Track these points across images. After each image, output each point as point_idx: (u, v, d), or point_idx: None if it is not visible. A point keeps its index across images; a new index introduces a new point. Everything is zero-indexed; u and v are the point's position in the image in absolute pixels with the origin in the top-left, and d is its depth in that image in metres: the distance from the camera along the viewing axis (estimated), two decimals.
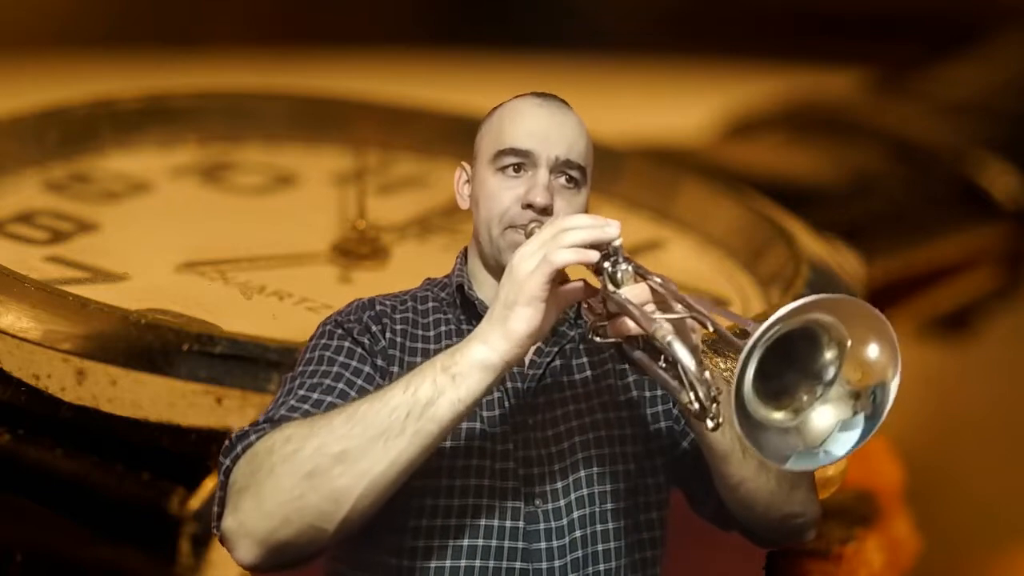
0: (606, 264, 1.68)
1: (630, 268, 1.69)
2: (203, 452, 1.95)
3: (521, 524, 1.76)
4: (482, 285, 1.81)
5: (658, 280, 1.69)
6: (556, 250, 1.66)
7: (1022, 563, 2.96)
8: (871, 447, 2.26)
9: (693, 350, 1.64)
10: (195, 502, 1.92)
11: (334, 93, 2.76)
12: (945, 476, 2.94)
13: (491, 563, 1.75)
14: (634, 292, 1.68)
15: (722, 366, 1.99)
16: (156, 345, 1.98)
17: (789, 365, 1.61)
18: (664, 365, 1.66)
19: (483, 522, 1.75)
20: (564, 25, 4.29)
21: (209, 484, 1.92)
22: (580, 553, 1.77)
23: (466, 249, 1.85)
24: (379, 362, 1.77)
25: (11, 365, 2.02)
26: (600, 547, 1.77)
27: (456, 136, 2.60)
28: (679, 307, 1.67)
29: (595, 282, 1.71)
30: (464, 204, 1.83)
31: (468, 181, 1.83)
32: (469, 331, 1.78)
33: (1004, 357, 3.18)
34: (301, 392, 1.73)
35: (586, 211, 1.79)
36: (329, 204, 2.50)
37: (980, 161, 3.02)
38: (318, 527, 1.66)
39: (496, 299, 1.68)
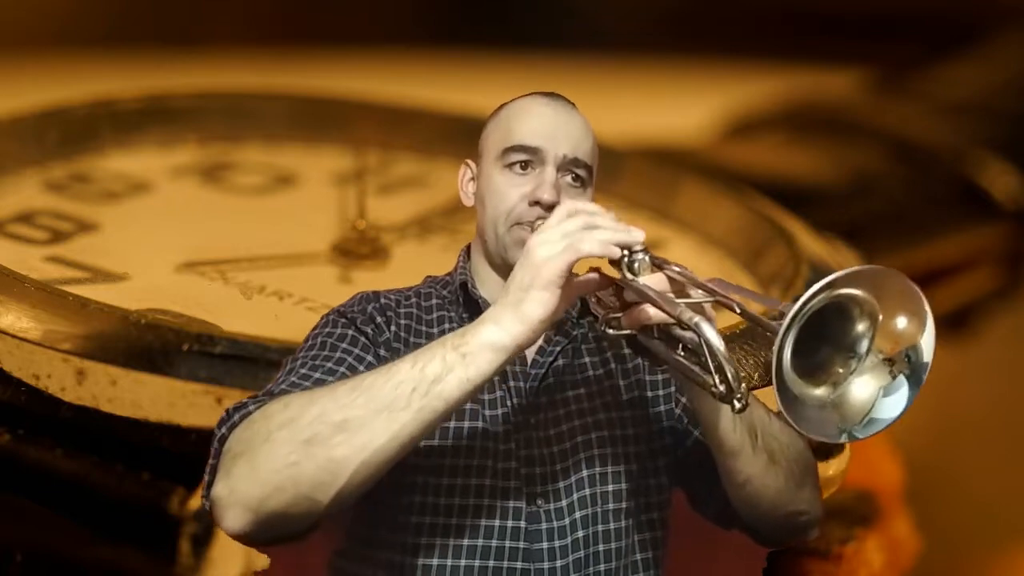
0: (623, 254, 1.68)
1: (647, 258, 1.69)
2: (203, 452, 1.95)
3: (523, 524, 1.75)
4: (485, 283, 1.81)
5: (677, 269, 1.69)
6: (585, 239, 1.65)
7: (1022, 563, 2.96)
8: (871, 447, 2.27)
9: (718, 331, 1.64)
10: (195, 502, 1.92)
11: (334, 93, 2.76)
12: (945, 476, 2.94)
13: (492, 563, 1.74)
14: (653, 280, 1.68)
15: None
16: (156, 345, 1.98)
17: (822, 341, 1.62)
18: (683, 353, 1.66)
19: (484, 522, 1.75)
20: (564, 25, 4.29)
21: None
22: (582, 553, 1.76)
23: (469, 247, 1.85)
24: (382, 352, 1.76)
25: (11, 365, 2.02)
26: (602, 547, 1.77)
27: (456, 136, 2.60)
28: (699, 293, 1.67)
29: (610, 272, 1.71)
30: (468, 201, 1.83)
31: (473, 179, 1.82)
32: None
33: (1004, 357, 3.18)
34: (303, 371, 1.73)
35: None
36: (329, 204, 2.50)
37: (980, 161, 3.02)
38: (312, 498, 1.63)
39: (510, 282, 1.67)
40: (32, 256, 2.27)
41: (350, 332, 1.77)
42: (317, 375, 1.72)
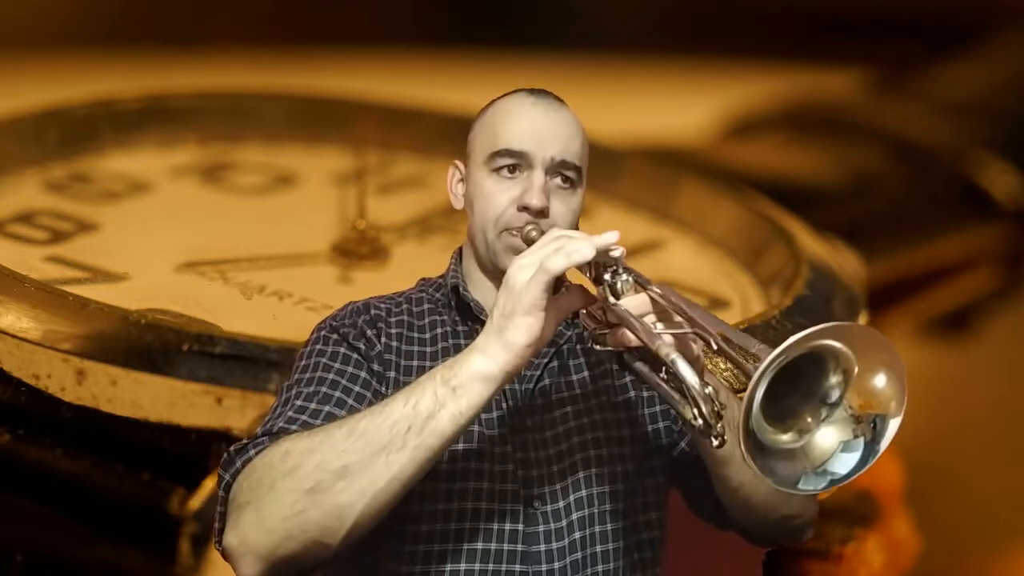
0: (606, 275, 1.68)
1: (630, 278, 1.68)
2: (203, 452, 1.95)
3: (520, 526, 1.75)
4: (478, 286, 1.80)
5: (658, 291, 1.68)
6: (551, 257, 1.65)
7: (1022, 563, 2.96)
8: None
9: (695, 364, 1.63)
10: (195, 502, 1.92)
11: (334, 93, 2.76)
12: (945, 476, 2.94)
13: (491, 566, 1.74)
14: (635, 303, 1.67)
15: (721, 366, 1.99)
16: (156, 345, 1.98)
17: (795, 387, 1.60)
18: (666, 376, 1.65)
19: (482, 525, 1.74)
20: (564, 25, 4.29)
21: (209, 484, 1.92)
22: (580, 555, 1.76)
23: (461, 248, 1.84)
24: (375, 367, 1.76)
25: (11, 365, 2.02)
26: (599, 548, 1.77)
27: (456, 136, 2.58)
28: (680, 318, 1.66)
29: (595, 291, 1.71)
30: (458, 204, 1.81)
31: (462, 180, 1.81)
32: (465, 332, 1.79)
33: (1004, 357, 3.18)
34: (298, 402, 1.72)
35: (581, 209, 1.78)
36: (329, 204, 2.50)
37: (980, 161, 3.02)
38: (321, 542, 1.65)
39: (494, 309, 1.67)
40: (32, 256, 2.27)
41: (342, 350, 1.76)
42: (313, 405, 1.72)
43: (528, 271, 1.65)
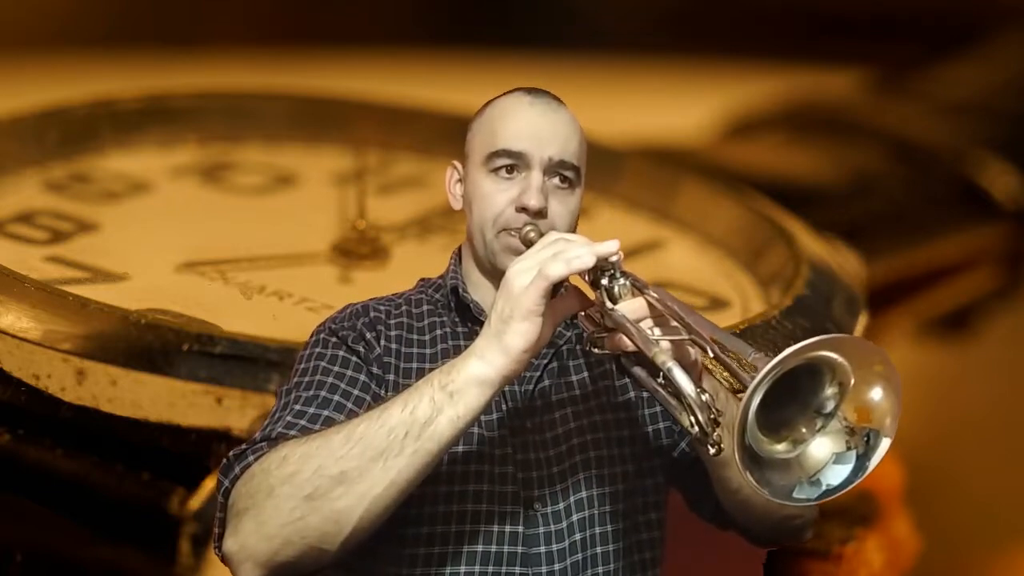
0: (603, 280, 1.67)
1: (627, 282, 1.67)
2: (203, 452, 1.95)
3: (520, 528, 1.75)
4: (477, 287, 1.80)
5: (655, 296, 1.68)
6: (551, 264, 1.64)
7: (1022, 563, 2.96)
8: None
9: (693, 371, 1.63)
10: (195, 502, 1.92)
11: (334, 93, 2.76)
12: (945, 476, 2.94)
13: (491, 568, 1.74)
14: (632, 308, 1.67)
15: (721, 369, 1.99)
16: (156, 345, 1.98)
17: (790, 397, 1.60)
18: (663, 381, 1.65)
19: (482, 527, 1.74)
20: (564, 25, 4.29)
21: (209, 484, 1.92)
22: (580, 556, 1.76)
23: (460, 248, 1.83)
24: (375, 370, 1.75)
25: (11, 365, 2.02)
26: (599, 549, 1.77)
27: (456, 136, 2.57)
28: (677, 323, 1.66)
29: (592, 295, 1.70)
30: (457, 204, 1.81)
31: (460, 180, 1.81)
32: (465, 333, 1.78)
33: (1004, 357, 3.18)
34: (297, 407, 1.72)
35: (580, 208, 1.77)
36: (329, 204, 2.50)
37: (980, 161, 3.02)
38: (320, 547, 1.65)
39: (492, 312, 1.67)
40: (32, 256, 2.27)
41: (341, 353, 1.75)
42: (312, 409, 1.71)
43: (527, 275, 1.65)
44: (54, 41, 4.02)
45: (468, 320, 1.79)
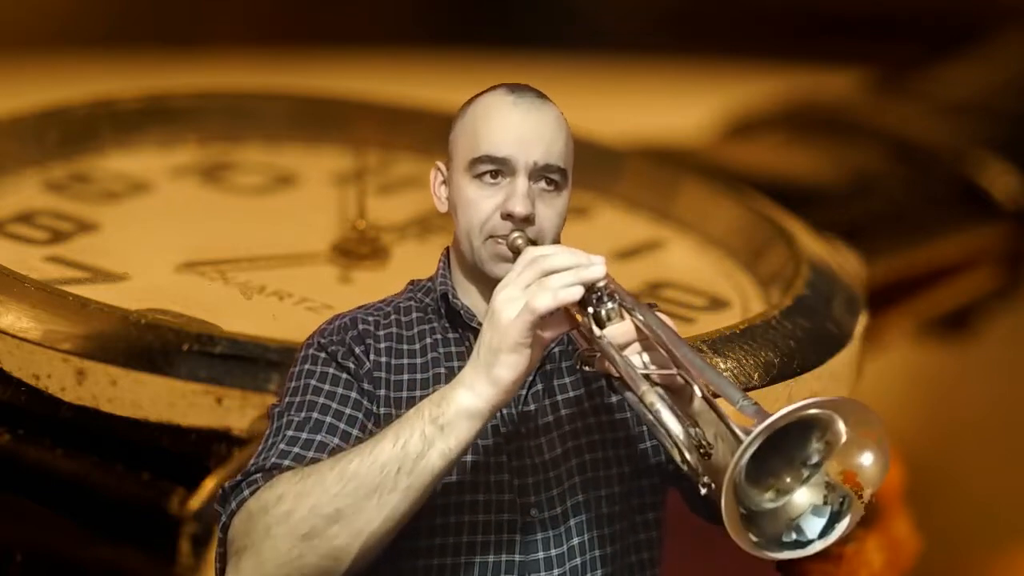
0: (590, 305, 1.65)
1: (615, 305, 1.65)
2: (203, 452, 1.95)
3: (518, 536, 1.74)
4: (467, 292, 1.78)
5: (642, 319, 1.65)
6: (538, 295, 1.62)
7: (1022, 563, 2.96)
8: None
9: (681, 399, 1.62)
10: (195, 502, 1.92)
11: (334, 93, 2.75)
12: (945, 476, 2.94)
13: None
14: (619, 332, 1.65)
15: (722, 366, 1.99)
16: (156, 345, 1.98)
17: (778, 450, 1.59)
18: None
19: (480, 538, 1.74)
20: (564, 25, 4.29)
21: (209, 484, 1.92)
22: (579, 560, 1.75)
23: (448, 250, 1.81)
24: (365, 386, 1.74)
25: (11, 365, 2.02)
26: (598, 552, 1.76)
27: None
28: (664, 354, 1.64)
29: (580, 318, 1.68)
30: (442, 207, 1.78)
31: (444, 182, 1.78)
32: (456, 339, 1.77)
33: (1004, 357, 3.19)
34: (289, 433, 1.71)
35: (567, 209, 1.75)
36: (329, 204, 2.50)
37: (980, 161, 3.02)
38: None
39: (480, 341, 1.65)
40: (32, 256, 2.27)
41: (331, 371, 1.74)
42: (304, 434, 1.71)
43: (514, 305, 1.63)
44: (54, 41, 4.03)
45: (458, 326, 1.78)
